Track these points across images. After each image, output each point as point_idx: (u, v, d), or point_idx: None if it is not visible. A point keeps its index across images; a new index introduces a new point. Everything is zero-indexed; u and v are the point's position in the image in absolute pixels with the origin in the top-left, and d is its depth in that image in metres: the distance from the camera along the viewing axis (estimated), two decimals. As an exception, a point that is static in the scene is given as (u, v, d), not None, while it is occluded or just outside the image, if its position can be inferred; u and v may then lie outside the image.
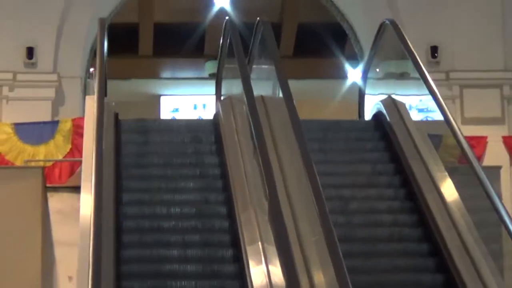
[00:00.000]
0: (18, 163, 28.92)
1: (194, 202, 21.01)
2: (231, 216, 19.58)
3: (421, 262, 19.26)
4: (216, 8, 32.89)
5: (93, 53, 30.64)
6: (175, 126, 27.93)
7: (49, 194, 25.73)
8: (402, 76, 28.90)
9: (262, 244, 17.38)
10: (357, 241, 19.25)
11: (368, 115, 27.09)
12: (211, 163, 22.93)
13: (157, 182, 22.08)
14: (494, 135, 28.58)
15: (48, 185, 26.42)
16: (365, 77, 28.05)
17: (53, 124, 28.68)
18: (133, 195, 20.86)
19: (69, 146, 28.36)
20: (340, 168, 22.68)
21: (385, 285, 18.63)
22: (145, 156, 23.41)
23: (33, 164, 29.35)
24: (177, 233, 19.84)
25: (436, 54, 28.57)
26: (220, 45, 26.78)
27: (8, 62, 29.77)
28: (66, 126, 28.43)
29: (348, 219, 20.07)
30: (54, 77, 29.10)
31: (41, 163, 28.86)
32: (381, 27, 26.21)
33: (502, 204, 18.72)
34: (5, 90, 29.47)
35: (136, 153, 23.49)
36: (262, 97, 23.63)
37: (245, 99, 20.82)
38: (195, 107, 36.19)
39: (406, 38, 24.35)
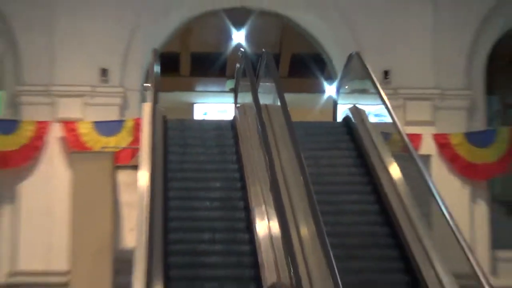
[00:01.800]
0: (96, 149, 28.23)
1: (219, 177, 21.59)
2: (244, 187, 20.27)
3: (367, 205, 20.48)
4: (234, 42, 33.20)
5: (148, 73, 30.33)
6: (203, 123, 29.92)
7: (117, 171, 26.05)
8: (363, 91, 28.10)
9: (265, 207, 18.21)
10: (325, 184, 20.45)
11: (339, 118, 27.11)
12: (230, 148, 23.50)
13: (191, 158, 23.22)
14: (426, 133, 28.29)
15: (116, 164, 26.43)
16: (337, 92, 28.49)
17: (120, 122, 28.26)
18: (175, 166, 21.91)
19: (131, 138, 27.89)
20: (319, 142, 23.74)
21: (343, 212, 20.02)
22: (183, 143, 24.11)
23: (106, 150, 28.12)
24: (206, 194, 20.50)
25: (387, 76, 28.31)
26: (237, 68, 28.69)
27: (89, 78, 28.46)
28: (129, 124, 27.90)
29: (319, 170, 21.36)
30: (121, 89, 28.59)
31: (112, 149, 28.13)
32: (350, 57, 26.52)
33: (431, 180, 19.98)
34: (87, 98, 28.51)
35: (178, 141, 23.99)
36: (266, 105, 23.97)
37: (254, 106, 21.64)
38: (219, 112, 36.27)
39: (366, 65, 25.28)
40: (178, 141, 24.12)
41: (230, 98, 31.52)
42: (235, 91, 29.16)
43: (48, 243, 27.12)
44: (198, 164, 22.77)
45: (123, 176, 26.02)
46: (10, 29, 28.92)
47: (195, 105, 38.27)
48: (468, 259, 16.84)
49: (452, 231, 17.65)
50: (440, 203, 18.87)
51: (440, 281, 17.26)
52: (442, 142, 28.51)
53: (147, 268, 14.39)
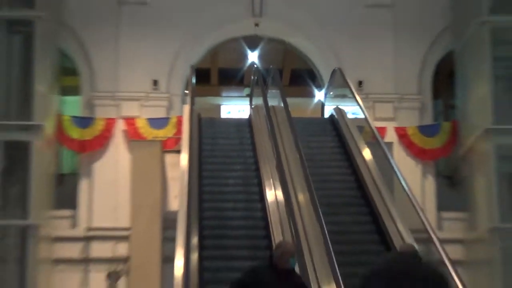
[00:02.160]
0: (149, 138, 28.42)
1: (239, 161, 23.46)
2: (257, 174, 21.61)
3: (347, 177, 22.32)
4: (250, 61, 33.60)
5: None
6: (227, 120, 34.09)
7: (165, 154, 26.70)
8: (343, 96, 28.15)
9: (273, 180, 20.03)
10: (315, 161, 22.06)
11: (326, 115, 29.01)
12: (246, 138, 25.24)
13: (219, 143, 25.05)
14: (390, 127, 28.33)
15: (164, 149, 26.99)
16: (325, 96, 30.72)
17: (167, 119, 28.41)
18: (207, 152, 23.60)
19: (175, 130, 27.61)
20: (311, 132, 25.57)
21: (328, 180, 21.70)
22: (213, 135, 25.79)
23: (156, 139, 28.79)
24: (229, 173, 22.26)
25: (361, 85, 28.42)
26: (252, 79, 31.44)
27: (144, 87, 28.71)
28: (173, 120, 27.90)
29: (311, 151, 22.82)
30: (167, 95, 28.67)
31: (160, 139, 28.51)
32: (333, 71, 28.07)
33: (393, 160, 21.72)
34: (143, 101, 28.66)
35: (209, 133, 25.61)
36: (273, 106, 26.17)
37: (264, 107, 23.89)
38: (238, 111, 36.95)
39: (345, 77, 27.13)
40: (209, 133, 25.60)
41: (247, 101, 31.85)
42: (250, 96, 30.72)
43: (115, 206, 27.39)
44: (224, 152, 24.34)
45: (169, 158, 26.92)
46: (85, 48, 29.19)
47: (221, 106, 38.60)
48: (420, 217, 18.27)
49: (408, 197, 19.05)
50: (400, 177, 20.32)
51: (399, 232, 18.58)
52: (401, 133, 28.69)
53: (187, 225, 16.05)
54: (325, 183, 20.85)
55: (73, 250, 27.34)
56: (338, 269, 13.67)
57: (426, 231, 17.16)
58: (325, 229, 15.27)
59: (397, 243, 17.36)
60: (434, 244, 16.49)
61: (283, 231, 17.50)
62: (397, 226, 18.61)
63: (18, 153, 26.44)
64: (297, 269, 13.43)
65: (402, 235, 17.70)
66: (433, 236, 17.01)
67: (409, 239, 17.14)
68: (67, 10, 29.08)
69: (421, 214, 18.41)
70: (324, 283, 14.43)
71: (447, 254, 15.92)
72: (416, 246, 14.85)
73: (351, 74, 27.46)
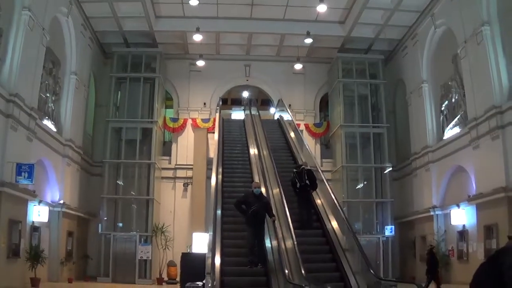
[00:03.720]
0: (201, 127, 32.57)
1: (239, 140, 26.33)
2: (247, 142, 24.16)
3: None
4: (244, 94, 36.28)
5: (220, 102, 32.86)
6: (233, 120, 33.77)
7: (208, 135, 31.02)
8: (282, 110, 30.97)
9: (253, 148, 22.91)
10: (270, 138, 23.84)
11: (275, 118, 31.33)
12: (242, 127, 27.65)
13: (230, 129, 27.43)
14: (302, 123, 32.41)
15: (208, 132, 31.29)
16: (275, 111, 33.05)
17: (209, 119, 32.33)
18: (226, 135, 26.25)
19: (212, 124, 30.84)
20: (269, 125, 26.97)
21: (277, 148, 24.13)
22: (228, 128, 28.37)
23: (204, 127, 32.05)
24: (236, 145, 25.07)
25: (290, 106, 32.19)
26: (244, 103, 33.43)
27: (199, 105, 33.73)
28: (212, 119, 31.62)
29: (271, 135, 24.84)
30: (209, 109, 32.82)
31: (205, 127, 32.21)
32: (279, 100, 31.91)
33: (303, 137, 26.57)
34: (199, 111, 33.54)
35: (226, 127, 27.99)
36: (252, 114, 29.05)
37: (250, 115, 27.54)
38: (239, 116, 35.18)
39: (283, 101, 31.04)
40: (226, 127, 27.91)
41: (242, 112, 35.12)
42: (244, 110, 33.94)
43: (187, 155, 32.65)
44: (233, 136, 26.91)
45: (209, 135, 31.02)
46: (175, 88, 34.44)
47: (231, 114, 38.09)
48: (313, 160, 21.19)
49: (309, 152, 22.71)
50: (306, 144, 24.16)
51: (302, 160, 21.94)
52: (306, 126, 33.00)
53: (217, 163, 19.42)
54: (275, 149, 22.78)
55: (169, 173, 32.77)
56: (280, 181, 16.71)
57: (315, 166, 19.58)
58: (274, 163, 18.89)
59: (300, 162, 19.23)
60: (319, 171, 18.80)
61: (257, 167, 20.12)
62: (302, 158, 21.33)
63: (148, 133, 31.50)
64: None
65: (303, 162, 18.94)
66: (318, 167, 19.81)
67: (306, 163, 18.64)
68: (167, 71, 33.99)
69: (313, 159, 22.09)
70: (274, 188, 16.55)
71: (324, 176, 18.85)
72: (308, 165, 18.17)
73: (286, 101, 32.32)
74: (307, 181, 16.72)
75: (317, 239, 14.93)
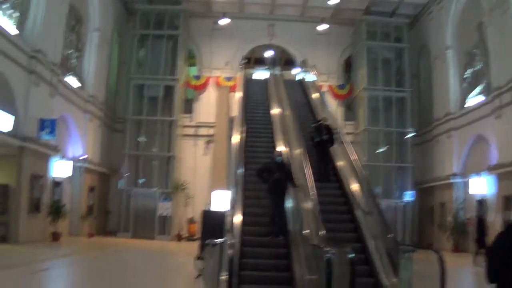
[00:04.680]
0: (224, 85, 32.51)
1: (261, 99, 25.16)
2: (269, 102, 23.31)
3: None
4: (267, 54, 36.40)
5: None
6: (255, 80, 32.26)
7: (231, 93, 30.63)
8: (305, 71, 30.67)
9: (275, 103, 22.26)
10: (291, 95, 23.41)
11: (297, 79, 30.50)
12: (265, 87, 26.83)
13: (254, 91, 26.31)
14: (325, 85, 31.59)
15: (230, 91, 31.10)
16: (299, 72, 32.33)
17: (231, 77, 31.55)
18: (249, 93, 25.24)
19: (235, 82, 29.76)
20: (291, 85, 26.39)
21: (298, 104, 23.32)
22: (250, 86, 27.49)
23: (227, 85, 31.90)
24: (258, 104, 24.12)
25: (314, 66, 30.70)
26: (268, 62, 33.40)
27: (222, 63, 33.41)
28: (235, 78, 30.53)
29: (293, 92, 24.54)
30: (232, 67, 32.70)
31: (228, 85, 31.85)
32: (303, 60, 31.67)
33: (325, 97, 25.42)
34: (222, 70, 33.10)
35: (248, 85, 27.01)
36: (276, 74, 29.20)
37: (273, 74, 27.33)
38: (263, 76, 33.38)
39: (308, 64, 30.46)
40: (248, 86, 27.12)
41: (265, 71, 34.27)
42: (267, 69, 33.92)
43: (209, 112, 32.37)
44: (255, 95, 26.05)
45: (232, 94, 30.48)
46: (198, 46, 33.94)
47: (253, 74, 36.37)
48: (335, 122, 19.64)
49: (331, 114, 21.86)
50: (328, 105, 23.44)
51: (324, 118, 19.85)
52: (330, 87, 32.72)
53: (241, 122, 18.87)
54: (297, 106, 22.05)
55: (190, 131, 32.59)
56: (302, 141, 16.12)
57: (337, 127, 18.67)
58: (296, 123, 18.32)
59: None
60: (341, 132, 18.06)
61: (279, 126, 19.21)
62: (322, 116, 19.32)
63: (170, 90, 31.37)
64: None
65: (322, 117, 18.23)
66: (340, 130, 19.11)
67: (325, 118, 17.85)
68: (190, 29, 33.53)
69: (336, 120, 22.65)
70: (296, 149, 15.78)
71: (346, 137, 18.06)
72: (327, 120, 17.46)
73: (309, 62, 31.51)
74: (325, 136, 16.49)
75: (337, 200, 14.66)
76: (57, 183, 24.13)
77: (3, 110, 18.66)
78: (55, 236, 21.84)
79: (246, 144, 18.04)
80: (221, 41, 33.84)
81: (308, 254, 10.15)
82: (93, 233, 27.21)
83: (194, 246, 15.99)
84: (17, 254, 16.96)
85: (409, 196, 29.30)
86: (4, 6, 19.16)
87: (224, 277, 9.05)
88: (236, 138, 17.10)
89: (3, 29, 18.63)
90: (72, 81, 25.87)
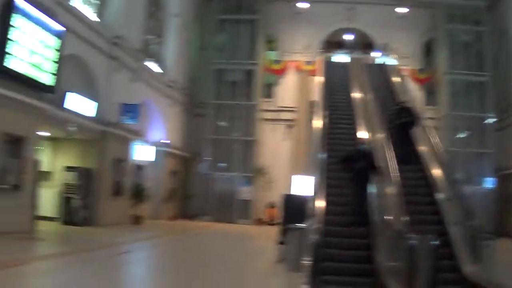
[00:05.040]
0: (304, 69, 31.91)
1: (341, 82, 24.08)
2: (349, 86, 22.61)
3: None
4: (346, 38, 35.15)
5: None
6: (335, 63, 30.04)
7: (310, 77, 29.93)
8: (387, 55, 31.06)
9: (356, 87, 21.83)
10: (373, 80, 23.03)
11: (376, 62, 29.79)
12: (345, 70, 25.94)
13: (334, 74, 25.43)
14: (406, 68, 29.94)
15: (310, 75, 30.25)
16: (378, 55, 31.63)
17: (312, 61, 30.88)
18: (329, 76, 24.55)
19: (315, 66, 28.95)
20: (370, 69, 25.56)
21: (379, 87, 22.52)
22: (331, 67, 26.85)
23: (306, 69, 31.29)
24: (338, 88, 23.38)
25: (393, 50, 31.27)
26: (347, 45, 32.49)
27: (301, 47, 32.87)
28: (315, 62, 29.69)
29: (371, 76, 23.76)
30: (311, 51, 32.23)
31: (309, 69, 31.41)
32: (384, 43, 31.09)
33: (407, 82, 24.31)
34: (302, 54, 32.53)
35: (329, 67, 26.34)
36: (354, 57, 29.00)
37: (354, 58, 27.36)
38: (343, 59, 31.80)
39: (388, 48, 30.12)
40: (328, 70, 26.27)
41: (345, 55, 32.85)
42: (346, 53, 33.02)
43: (289, 96, 32.10)
44: (335, 79, 25.02)
45: (311, 78, 29.65)
46: (278, 31, 33.36)
47: (332, 57, 32.84)
48: (416, 104, 18.98)
49: (412, 96, 21.94)
50: (409, 88, 23.73)
51: (403, 99, 19.66)
52: (411, 72, 31.35)
53: (323, 106, 19.05)
54: (377, 90, 21.22)
55: (270, 115, 32.32)
56: (384, 126, 16.09)
57: (418, 111, 17.20)
58: (378, 107, 18.40)
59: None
60: (422, 117, 17.13)
61: (360, 111, 18.94)
62: (404, 98, 19.56)
63: (250, 75, 31.50)
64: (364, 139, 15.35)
65: (403, 100, 18.12)
66: (422, 113, 18.04)
67: (406, 101, 17.84)
68: (270, 13, 32.93)
69: (417, 105, 20.84)
70: (378, 133, 15.77)
71: (427, 122, 17.64)
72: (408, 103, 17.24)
73: (389, 45, 31.63)
74: (407, 119, 16.03)
75: (417, 182, 14.14)
76: (139, 167, 24.55)
77: (87, 96, 19.06)
78: (137, 219, 22.20)
79: (328, 128, 17.69)
80: (300, 25, 33.43)
81: (390, 240, 9.91)
82: (175, 217, 27.60)
83: (274, 231, 15.87)
84: (100, 236, 17.27)
85: (488, 183, 28.43)
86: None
87: (306, 262, 8.88)
88: (317, 123, 17.00)
89: (85, 16, 19.04)
90: (153, 66, 26.21)
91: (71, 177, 19.96)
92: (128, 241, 16.73)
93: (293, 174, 24.62)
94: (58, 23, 16.22)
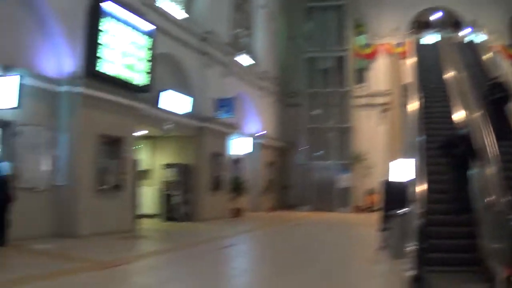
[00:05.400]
0: (394, 52, 31.14)
1: (433, 63, 22.53)
2: (440, 66, 21.26)
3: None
4: (436, 17, 34.10)
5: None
6: (427, 44, 28.73)
7: (401, 60, 29.16)
8: (476, 32, 28.61)
9: (447, 66, 20.48)
10: (463, 59, 21.05)
11: (465, 41, 27.70)
12: (435, 50, 24.29)
13: (424, 55, 24.29)
14: (496, 45, 28.81)
15: (400, 57, 29.43)
16: (467, 33, 30.03)
17: (402, 43, 30.10)
18: (421, 58, 23.43)
19: (405, 48, 27.94)
20: (460, 47, 24.17)
21: (469, 64, 20.55)
22: (421, 48, 25.90)
23: (396, 52, 30.57)
24: (430, 68, 21.95)
25: (482, 26, 29.31)
26: (435, 25, 31.36)
27: (389, 30, 31.68)
28: (405, 44, 28.74)
29: (461, 54, 22.21)
30: (400, 33, 31.29)
31: (399, 51, 30.47)
32: (473, 20, 29.63)
33: (499, 58, 23.95)
34: (391, 36, 31.54)
35: (419, 49, 25.33)
36: (444, 36, 27.89)
37: (443, 37, 26.21)
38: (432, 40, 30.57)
39: (477, 25, 28.72)
40: (419, 50, 24.90)
41: (434, 35, 31.75)
42: (435, 32, 31.98)
43: (382, 79, 31.46)
44: (426, 60, 23.39)
45: (402, 61, 29.16)
46: (365, 15, 32.49)
47: (423, 37, 31.92)
48: (508, 79, 19.28)
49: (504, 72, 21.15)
50: (502, 63, 23.48)
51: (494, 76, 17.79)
52: (501, 48, 29.95)
53: (417, 89, 18.06)
54: (468, 68, 19.66)
55: (364, 101, 31.64)
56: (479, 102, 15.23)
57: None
58: (471, 86, 17.24)
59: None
60: None
61: (454, 90, 17.71)
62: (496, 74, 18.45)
63: (341, 61, 30.90)
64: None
65: (496, 75, 17.56)
66: None
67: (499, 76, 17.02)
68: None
69: (508, 78, 20.05)
70: (474, 112, 14.69)
71: None
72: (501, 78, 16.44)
73: (478, 22, 29.57)
74: (501, 94, 15.19)
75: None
76: (236, 160, 24.54)
77: (182, 92, 19.13)
78: (236, 212, 22.22)
79: (423, 110, 16.77)
80: (388, 7, 32.48)
81: (492, 223, 9.28)
82: (273, 208, 27.46)
83: (374, 218, 15.35)
84: (202, 231, 17.34)
85: None
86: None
87: (410, 248, 8.54)
88: (412, 105, 16.41)
89: (173, 14, 19.15)
90: (243, 59, 26.10)
91: (170, 174, 20.06)
92: (230, 235, 16.71)
93: (390, 159, 23.21)
94: (148, 22, 16.23)
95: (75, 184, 13.43)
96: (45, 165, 13.12)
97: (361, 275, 10.34)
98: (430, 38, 32.67)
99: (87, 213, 13.66)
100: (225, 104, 21.45)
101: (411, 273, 8.16)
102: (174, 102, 18.72)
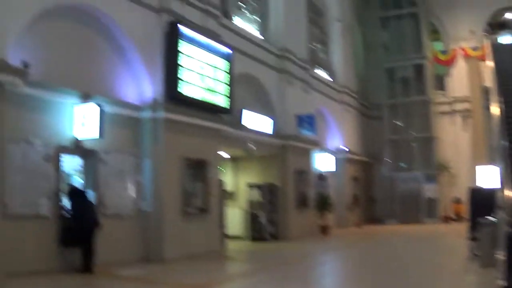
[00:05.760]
0: (472, 55, 29.95)
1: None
2: None
3: None
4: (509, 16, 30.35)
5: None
6: (505, 45, 25.47)
7: (478, 64, 26.79)
8: None
9: None
10: None
11: None
12: None
13: (503, 57, 20.37)
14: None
15: (478, 60, 27.46)
16: None
17: (478, 47, 29.06)
18: (498, 59, 21.69)
19: (483, 52, 26.81)
20: None
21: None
22: (499, 52, 21.72)
23: (474, 55, 28.96)
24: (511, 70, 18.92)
25: None
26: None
27: (466, 34, 30.28)
28: (482, 47, 27.42)
29: None
30: (476, 36, 28.88)
31: (476, 55, 28.81)
32: None
33: None
34: (467, 41, 30.08)
35: (497, 52, 22.82)
36: None
37: None
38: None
39: None
40: (495, 51, 20.94)
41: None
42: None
43: (463, 89, 30.23)
44: (506, 61, 18.95)
45: (481, 63, 28.16)
46: (440, 22, 31.76)
47: (501, 38, 27.69)
48: None
49: None
50: None
51: None
52: None
53: (497, 93, 15.44)
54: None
55: (445, 108, 30.93)
56: None
57: None
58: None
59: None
60: None
61: None
62: None
63: (420, 69, 29.85)
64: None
65: None
66: None
67: None
68: (430, 2, 31.30)
69: None
70: None
71: None
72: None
73: None
74: None
75: None
76: (321, 177, 23.89)
77: (262, 111, 19.00)
78: (324, 229, 21.62)
79: (504, 115, 15.93)
80: (461, 10, 31.28)
81: None
82: (360, 223, 26.79)
83: (462, 227, 15.27)
84: (290, 250, 16.94)
85: None
86: (245, 13, 19.40)
87: (501, 255, 8.03)
88: (494, 109, 14.91)
89: (249, 34, 18.92)
90: (322, 74, 25.72)
91: (254, 194, 19.59)
92: (319, 252, 16.44)
93: (476, 166, 23.07)
94: (225, 45, 15.93)
95: (161, 208, 13.14)
96: (130, 191, 12.88)
97: (452, 287, 10.12)
98: (507, 38, 31.02)
99: (174, 236, 13.40)
100: (307, 120, 21.01)
101: (502, 283, 7.75)
102: (256, 121, 18.38)
